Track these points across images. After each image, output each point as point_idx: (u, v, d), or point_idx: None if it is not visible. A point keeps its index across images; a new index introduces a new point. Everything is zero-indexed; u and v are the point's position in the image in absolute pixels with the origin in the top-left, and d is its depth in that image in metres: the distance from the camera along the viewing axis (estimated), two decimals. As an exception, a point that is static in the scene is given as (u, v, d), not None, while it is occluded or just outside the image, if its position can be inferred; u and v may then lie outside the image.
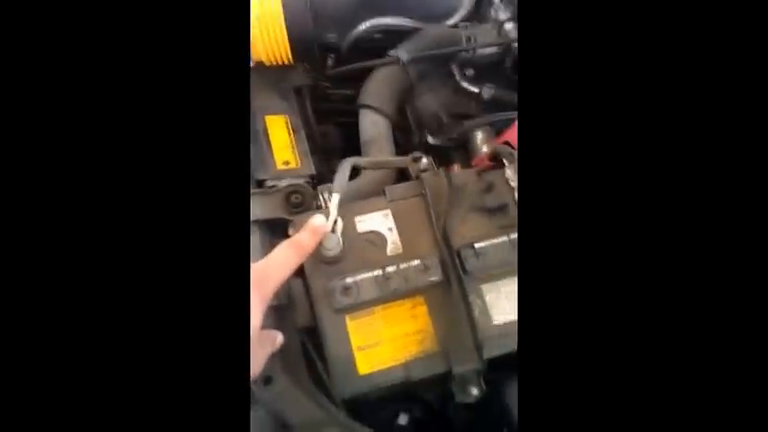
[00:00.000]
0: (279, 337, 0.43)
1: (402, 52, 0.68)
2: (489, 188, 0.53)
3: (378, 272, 0.48)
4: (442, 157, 0.71)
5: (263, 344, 0.41)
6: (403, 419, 0.63)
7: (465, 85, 0.72)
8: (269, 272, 0.40)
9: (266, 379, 0.46)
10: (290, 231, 0.51)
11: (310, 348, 0.49)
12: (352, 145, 0.70)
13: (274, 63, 0.63)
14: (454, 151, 0.71)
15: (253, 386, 0.46)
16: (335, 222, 0.48)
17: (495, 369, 0.48)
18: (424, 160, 0.54)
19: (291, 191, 0.54)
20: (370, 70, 0.71)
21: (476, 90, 0.72)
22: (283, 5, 0.61)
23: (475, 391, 0.46)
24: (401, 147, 0.71)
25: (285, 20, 0.61)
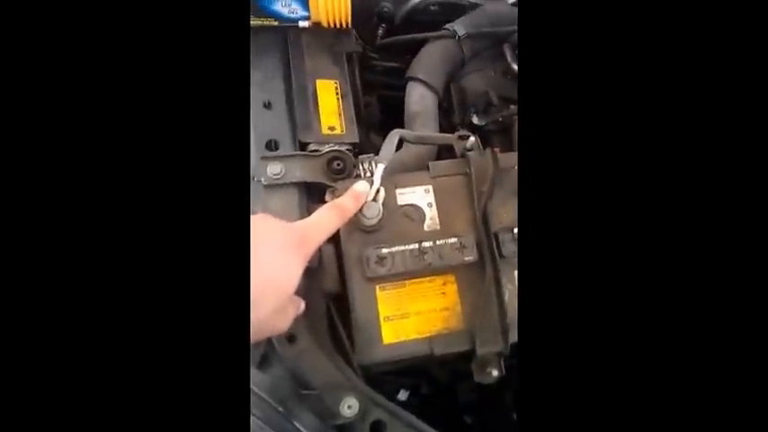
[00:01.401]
0: (302, 305, 0.44)
1: (459, 27, 0.67)
2: (533, 175, 0.52)
3: (414, 246, 0.48)
4: (482, 139, 0.70)
5: (293, 305, 0.41)
6: (403, 395, 0.64)
7: (515, 67, 0.70)
8: (310, 233, 0.40)
9: (290, 337, 0.47)
10: (327, 197, 0.51)
11: (334, 314, 0.50)
12: (392, 118, 0.70)
13: (332, 25, 0.62)
14: (495, 134, 0.70)
15: (276, 343, 0.47)
16: (378, 192, 0.48)
17: (515, 355, 0.48)
18: (472, 139, 0.53)
19: (334, 156, 0.54)
20: (419, 44, 0.69)
21: (525, 74, 0.70)
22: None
23: (495, 373, 0.46)
24: (440, 124, 0.70)
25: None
